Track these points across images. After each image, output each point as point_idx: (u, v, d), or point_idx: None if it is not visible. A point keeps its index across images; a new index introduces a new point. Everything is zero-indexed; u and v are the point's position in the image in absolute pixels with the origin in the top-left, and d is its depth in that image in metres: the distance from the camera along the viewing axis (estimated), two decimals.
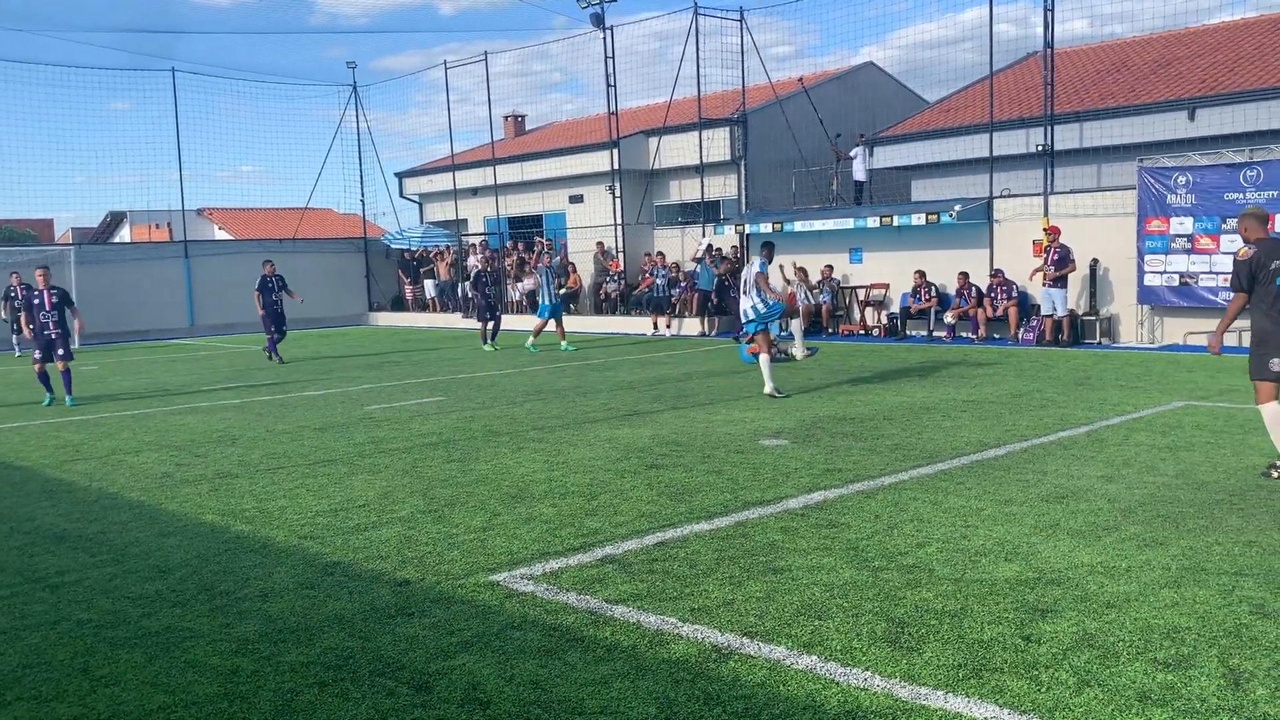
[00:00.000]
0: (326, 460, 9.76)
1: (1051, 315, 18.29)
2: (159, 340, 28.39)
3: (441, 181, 31.72)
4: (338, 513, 7.64)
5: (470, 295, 23.12)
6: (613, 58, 25.31)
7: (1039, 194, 19.53)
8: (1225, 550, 6.01)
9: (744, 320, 14.31)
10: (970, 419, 10.84)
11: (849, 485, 7.93)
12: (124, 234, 49.31)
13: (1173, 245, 17.52)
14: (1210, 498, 7.24)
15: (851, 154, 23.66)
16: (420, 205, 34.52)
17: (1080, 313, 18.72)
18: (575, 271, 26.92)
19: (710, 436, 10.29)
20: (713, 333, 23.62)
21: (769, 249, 14.11)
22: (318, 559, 6.45)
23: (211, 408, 14.00)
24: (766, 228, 23.14)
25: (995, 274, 19.58)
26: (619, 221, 26.15)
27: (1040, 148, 19.39)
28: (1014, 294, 19.12)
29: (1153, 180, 17.64)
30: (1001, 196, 20.17)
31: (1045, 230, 18.53)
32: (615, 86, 25.41)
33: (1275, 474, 7.72)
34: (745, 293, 13.92)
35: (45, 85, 33.85)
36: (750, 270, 13.85)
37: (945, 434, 10.01)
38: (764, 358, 13.28)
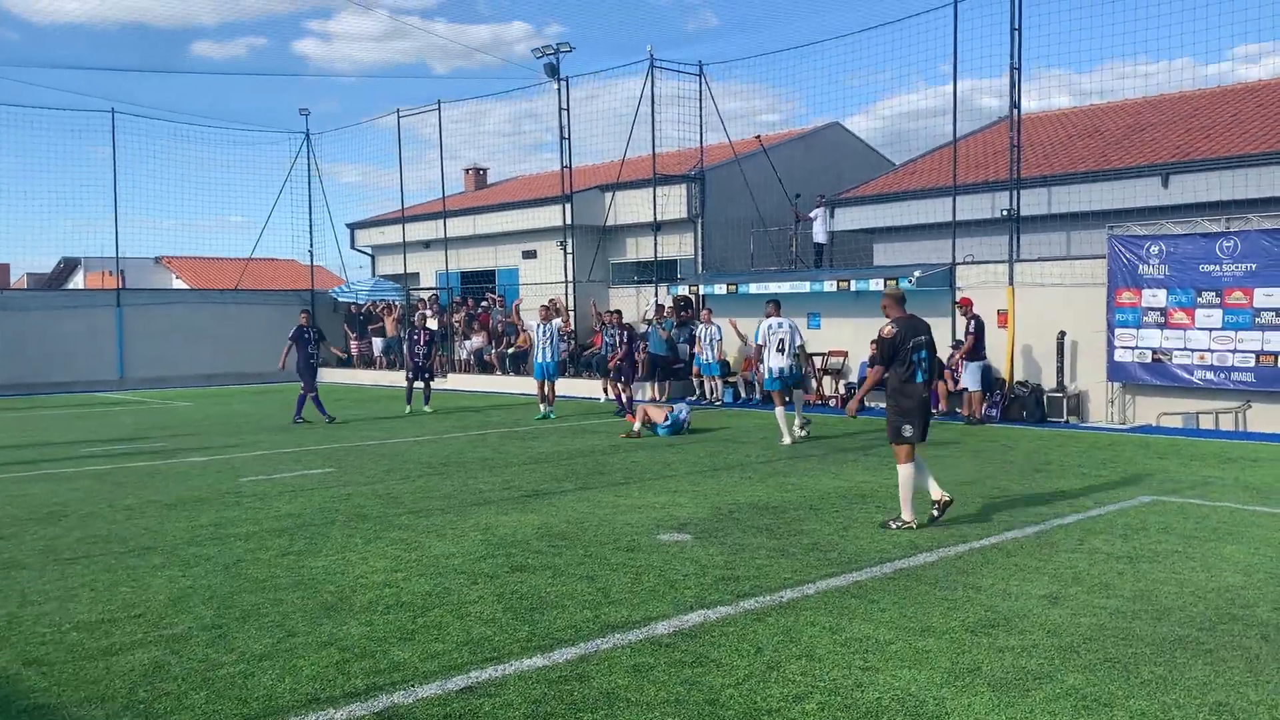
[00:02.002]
0: (144, 548, 8.30)
1: (965, 390, 17.13)
2: (82, 393, 26.84)
3: (394, 233, 30.49)
4: (99, 626, 6.18)
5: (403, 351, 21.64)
6: (567, 109, 24.27)
7: (1004, 261, 18.38)
8: (1187, 717, 4.63)
9: (770, 376, 14.89)
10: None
11: (739, 602, 6.52)
12: (78, 280, 47.84)
13: (1144, 319, 16.32)
14: (1172, 633, 5.86)
15: (812, 215, 22.57)
16: (373, 257, 33.26)
17: (1047, 389, 17.46)
18: (525, 331, 25.59)
19: (605, 527, 8.89)
20: (664, 398, 22.24)
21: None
22: (17, 700, 4.99)
23: (73, 474, 12.53)
24: (721, 289, 21.92)
25: (957, 345, 18.32)
26: (570, 278, 24.90)
27: (1005, 212, 18.28)
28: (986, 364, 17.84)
29: (1124, 249, 16.50)
30: (964, 263, 19.01)
31: (957, 304, 17.45)
32: (569, 139, 24.36)
33: (895, 525, 8.59)
34: (781, 351, 14.87)
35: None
36: (793, 333, 15.08)
37: (873, 531, 8.63)
38: (781, 410, 14.70)
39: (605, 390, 22.34)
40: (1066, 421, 16.98)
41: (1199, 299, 15.72)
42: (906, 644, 5.68)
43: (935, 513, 8.70)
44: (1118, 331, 16.60)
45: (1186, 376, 15.89)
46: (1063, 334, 17.26)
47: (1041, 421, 16.97)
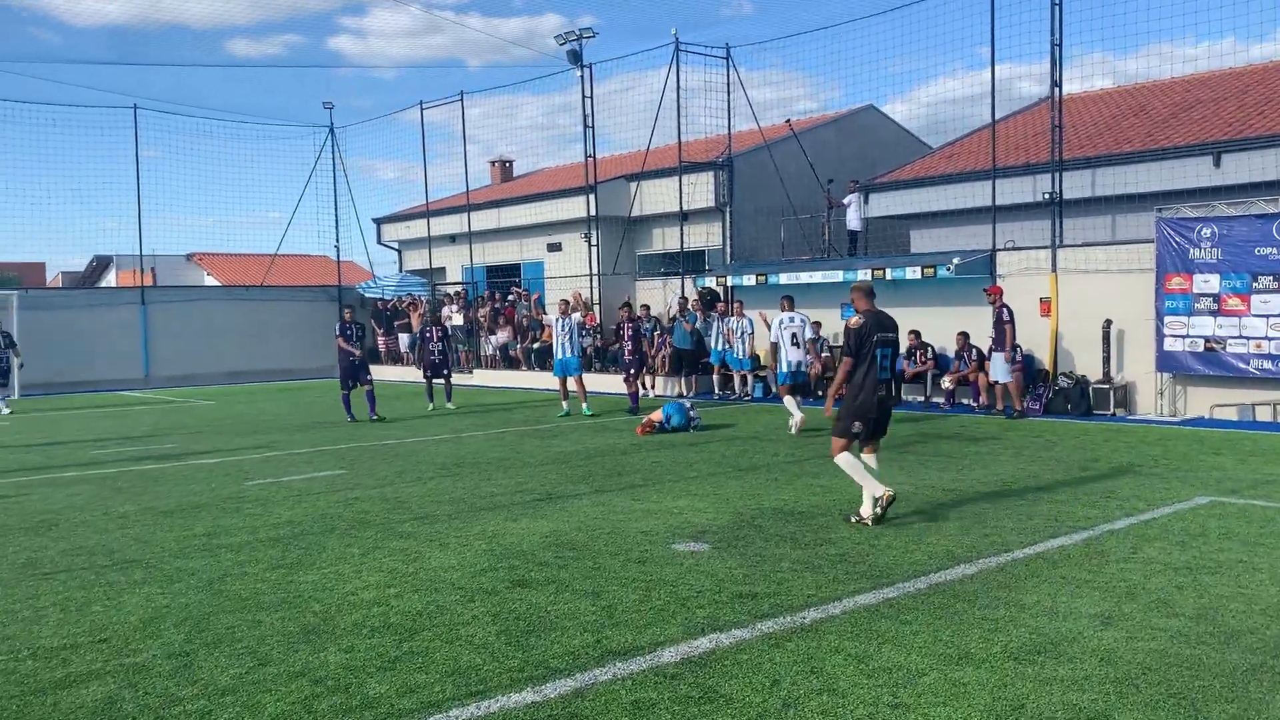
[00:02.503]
0: (129, 562, 7.84)
1: (997, 382, 16.37)
2: (109, 391, 26.69)
3: (420, 228, 30.08)
4: (59, 653, 5.70)
5: (416, 350, 21.14)
6: (590, 97, 23.66)
7: (1046, 246, 17.57)
8: None
9: (784, 371, 15.41)
10: (944, 517, 8.81)
11: (757, 624, 5.92)
12: (110, 278, 48.01)
13: (1196, 305, 15.47)
14: (1244, 661, 5.19)
15: (845, 201, 21.81)
16: (399, 252, 32.88)
17: (1092, 380, 16.65)
18: (548, 325, 25.09)
19: (618, 535, 8.32)
20: (690, 394, 21.64)
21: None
22: None
23: (73, 478, 12.15)
24: (750, 280, 21.26)
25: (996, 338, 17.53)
26: (594, 271, 24.32)
27: (1047, 196, 17.46)
28: (1019, 358, 17.07)
29: (1173, 232, 15.65)
30: (1005, 249, 18.21)
31: (985, 292, 16.68)
32: (593, 128, 23.72)
33: (855, 521, 8.45)
34: (796, 345, 15.39)
35: (32, 124, 32.46)
36: (804, 327, 15.62)
37: (907, 539, 7.98)
38: (789, 398, 15.08)
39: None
40: (1113, 415, 16.17)
41: (1255, 284, 14.86)
42: (942, 675, 5.06)
43: (854, 519, 8.53)
44: (1167, 319, 15.77)
45: (1242, 366, 15.04)
46: (1109, 322, 16.44)
47: (1087, 415, 16.18)
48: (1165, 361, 15.86)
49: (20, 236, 53.59)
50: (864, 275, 19.22)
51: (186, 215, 58.46)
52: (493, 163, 34.38)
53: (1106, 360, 16.48)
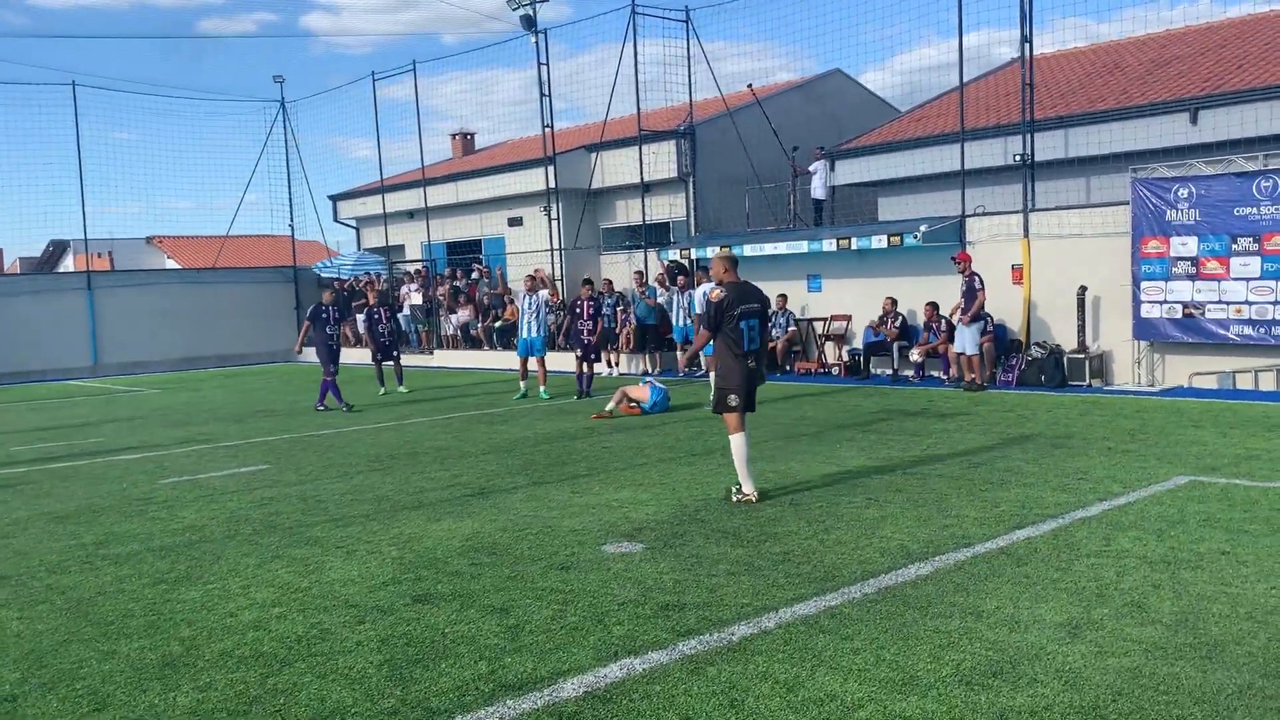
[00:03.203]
0: None
1: (962, 354, 15.69)
2: (55, 381, 25.72)
3: (377, 205, 29.07)
4: None
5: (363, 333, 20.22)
6: (546, 64, 22.73)
7: (1018, 211, 16.86)
8: None
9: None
10: (902, 505, 8.11)
11: (678, 644, 5.20)
12: (68, 264, 46.76)
13: (1174, 269, 14.81)
14: (1229, 680, 4.50)
15: (810, 169, 21.03)
16: (357, 230, 31.88)
17: (1067, 350, 15.99)
18: (512, 303, 24.28)
19: (547, 535, 7.58)
20: (655, 371, 20.91)
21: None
22: None
23: None
24: (714, 251, 20.44)
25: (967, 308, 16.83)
26: (556, 246, 23.48)
27: (1018, 158, 16.73)
28: (989, 328, 16.40)
29: (1149, 193, 14.95)
30: (974, 215, 17.49)
31: (953, 260, 15.98)
32: (550, 96, 22.82)
33: (736, 498, 8.37)
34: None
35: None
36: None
37: (859, 533, 7.28)
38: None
39: (607, 363, 20.94)
40: (1089, 385, 15.53)
41: (1234, 246, 14.20)
42: (880, 708, 4.35)
43: (735, 498, 8.38)
44: (1144, 285, 15.10)
45: (1221, 332, 14.40)
46: (1083, 289, 15.77)
47: (1061, 386, 15.53)
48: (1142, 329, 15.21)
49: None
50: (829, 245, 18.51)
51: (145, 197, 56.91)
52: (453, 136, 33.34)
53: (1081, 329, 15.82)
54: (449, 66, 41.34)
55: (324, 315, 17.17)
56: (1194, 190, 14.51)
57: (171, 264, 44.81)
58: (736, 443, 8.39)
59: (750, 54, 39.82)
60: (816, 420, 13.20)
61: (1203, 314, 14.55)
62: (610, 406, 14.35)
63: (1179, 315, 14.77)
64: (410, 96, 25.79)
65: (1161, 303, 14.93)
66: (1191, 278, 14.62)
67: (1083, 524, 7.34)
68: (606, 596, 6.03)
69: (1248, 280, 14.08)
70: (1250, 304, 14.08)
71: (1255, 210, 13.93)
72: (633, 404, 14.44)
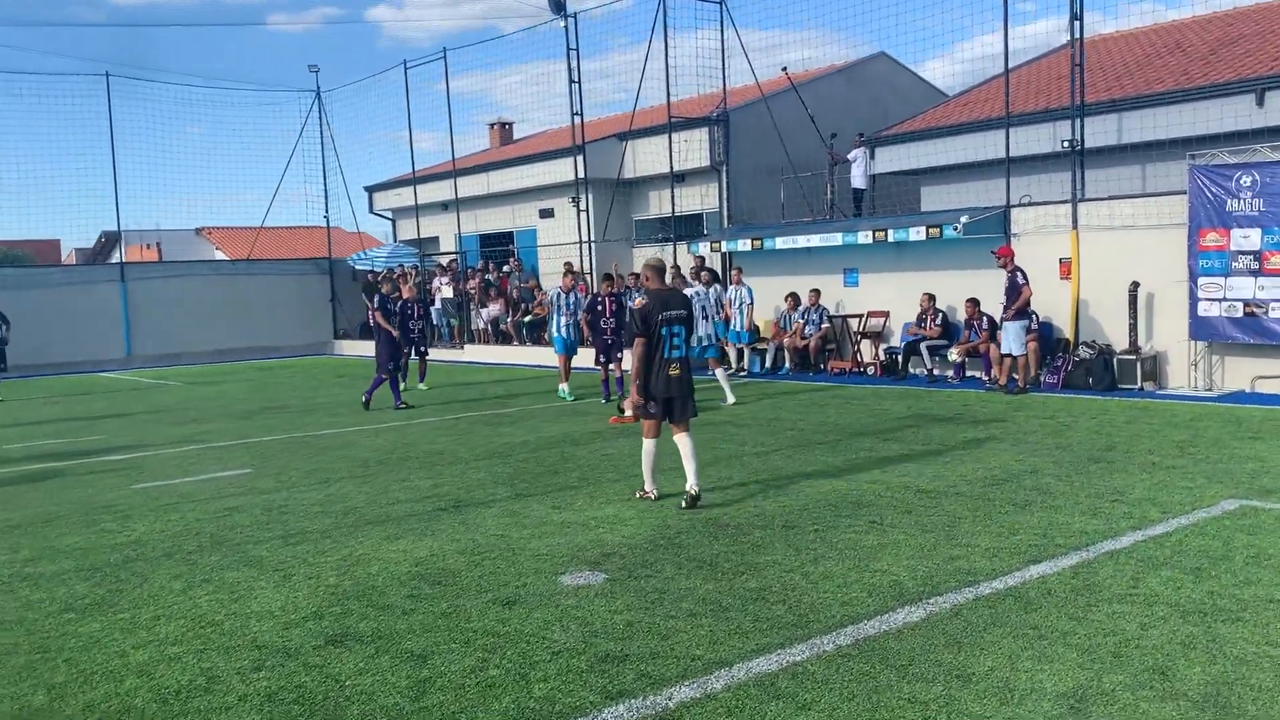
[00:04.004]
0: None
1: (1009, 356, 14.61)
2: (88, 373, 25.63)
3: (413, 196, 28.56)
4: None
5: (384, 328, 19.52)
6: (576, 50, 21.96)
7: (1066, 201, 15.73)
8: None
9: (704, 344, 15.10)
10: (908, 531, 7.24)
11: (602, 712, 4.43)
12: (119, 255, 47.21)
13: (1234, 264, 13.63)
14: None
15: (850, 156, 20.02)
16: (393, 222, 31.46)
17: (1118, 350, 14.87)
18: (542, 296, 23.63)
19: (505, 560, 6.86)
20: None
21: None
22: None
23: None
24: (745, 245, 19.59)
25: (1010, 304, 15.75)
26: (585, 238, 22.74)
27: (1066, 144, 15.60)
28: (1034, 326, 15.31)
29: (1208, 181, 13.78)
30: (1020, 205, 16.39)
31: (994, 254, 14.90)
32: (580, 83, 22.03)
33: (638, 494, 8.63)
34: (706, 318, 15.19)
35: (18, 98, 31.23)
36: (710, 300, 15.70)
37: (851, 565, 6.44)
38: (721, 371, 15.39)
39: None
40: (1140, 389, 14.40)
41: None
42: None
43: (683, 503, 8.20)
44: (1201, 281, 13.93)
45: None
46: (1136, 285, 14.62)
47: (1111, 389, 14.43)
48: (1199, 328, 14.05)
49: (35, 213, 52.56)
50: (864, 237, 17.53)
51: (191, 189, 57.22)
52: (491, 126, 32.78)
53: (1133, 328, 14.68)
54: (500, 57, 40.72)
55: (389, 307, 16.47)
56: (1258, 178, 13.31)
57: (220, 255, 44.99)
58: (646, 447, 8.48)
59: (795, 42, 38.46)
60: (838, 426, 12.30)
61: (1266, 313, 13.36)
62: (628, 410, 13.49)
63: (1240, 314, 13.58)
64: (454, 85, 25.16)
65: (1220, 300, 13.75)
66: (1254, 273, 13.43)
67: (1110, 559, 6.42)
68: (542, 643, 5.27)
69: None
70: None
71: None
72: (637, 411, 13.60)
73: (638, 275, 21.23)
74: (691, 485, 8.22)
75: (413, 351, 18.85)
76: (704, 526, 7.61)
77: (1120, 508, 7.69)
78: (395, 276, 27.02)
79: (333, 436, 13.17)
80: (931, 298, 16.70)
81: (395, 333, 15.88)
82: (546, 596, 6.04)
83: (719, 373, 15.25)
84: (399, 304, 17.57)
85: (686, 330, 8.37)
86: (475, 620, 5.68)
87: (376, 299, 16.25)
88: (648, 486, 8.60)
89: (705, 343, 18.19)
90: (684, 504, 8.16)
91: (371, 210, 31.25)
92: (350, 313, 29.60)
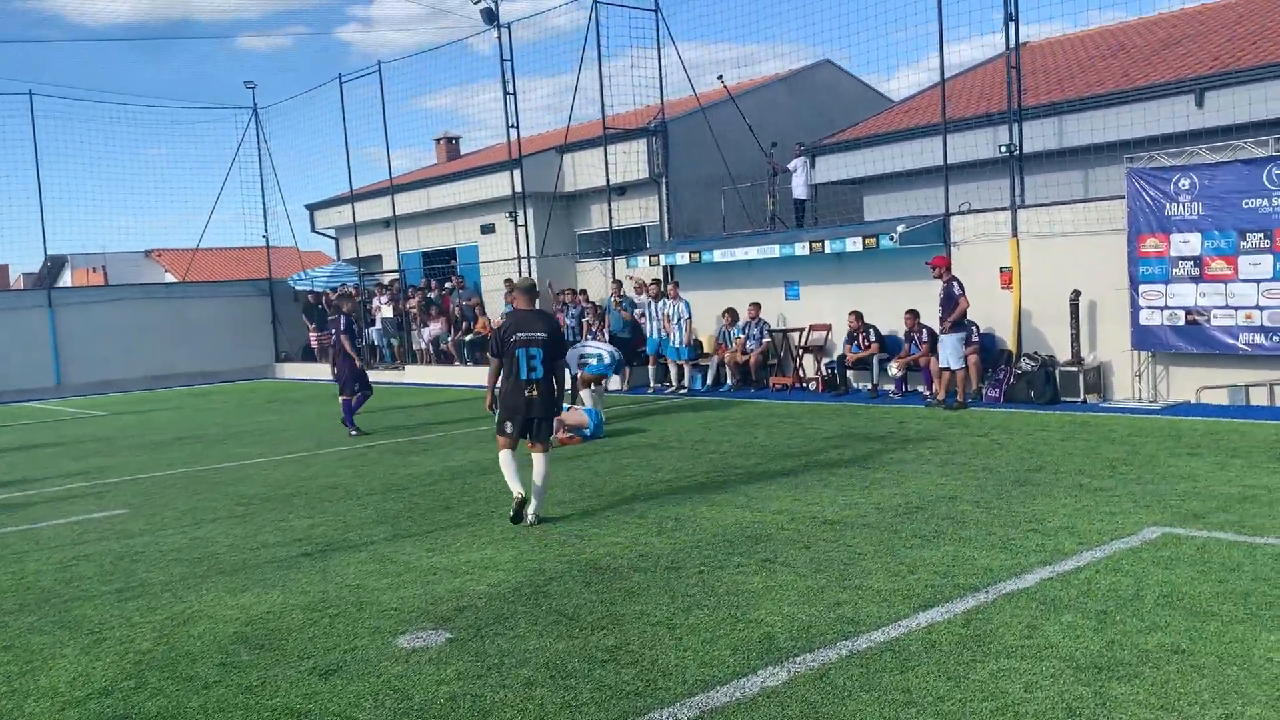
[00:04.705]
0: None
1: (947, 370, 14.06)
2: (14, 404, 24.69)
3: (359, 213, 27.80)
4: None
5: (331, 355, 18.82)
6: (510, 60, 21.33)
7: (1005, 208, 15.22)
8: None
9: (598, 363, 14.47)
10: (800, 571, 6.61)
11: None
12: (66, 279, 46.17)
13: (1175, 270, 13.12)
14: None
15: (790, 166, 19.47)
16: (336, 241, 30.68)
17: (1061, 362, 14.34)
18: (484, 315, 22.96)
19: (348, 616, 6.19)
20: (624, 387, 19.45)
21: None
22: None
23: None
24: (684, 258, 19.00)
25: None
26: (524, 254, 22.07)
27: (1004, 149, 15.09)
28: (974, 338, 14.78)
29: (1146, 185, 13.29)
30: (959, 213, 15.87)
31: (928, 265, 14.36)
32: (515, 94, 21.40)
33: (519, 497, 8.33)
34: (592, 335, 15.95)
35: None
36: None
37: (727, 614, 5.80)
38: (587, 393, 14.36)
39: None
40: (1084, 402, 13.86)
41: (1242, 243, 12.51)
42: None
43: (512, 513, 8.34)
44: (1142, 288, 13.43)
45: (1229, 341, 12.71)
46: (1077, 294, 14.11)
47: (1053, 402, 13.88)
48: (1142, 338, 13.53)
49: None
50: (801, 249, 16.97)
51: (139, 210, 56.06)
52: (438, 140, 32.06)
53: (1075, 338, 14.15)
54: (451, 73, 39.83)
55: (355, 328, 15.69)
56: (1196, 180, 12.82)
57: (170, 278, 44.04)
58: (501, 458, 8.45)
59: (739, 56, 37.82)
60: (763, 448, 11.67)
61: (1208, 320, 12.86)
62: (559, 434, 12.80)
63: (1181, 322, 13.08)
64: (401, 99, 24.54)
65: (1162, 308, 13.25)
66: (1195, 280, 12.93)
67: (1010, 601, 5.80)
68: None
69: (1258, 282, 12.38)
70: (1262, 309, 12.38)
71: (1266, 202, 12.24)
72: (570, 434, 12.99)
73: (574, 291, 20.76)
74: (532, 514, 8.31)
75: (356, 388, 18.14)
76: (581, 570, 6.94)
77: (1034, 539, 7.09)
78: (353, 295, 26.32)
79: (232, 470, 12.42)
80: (859, 316, 16.14)
81: (356, 360, 15.14)
82: (373, 664, 5.36)
83: (586, 394, 14.44)
84: (346, 320, 16.62)
85: (544, 354, 8.38)
86: (281, 695, 4.99)
87: (342, 320, 15.41)
88: (514, 488, 8.42)
89: (685, 355, 17.72)
90: (513, 512, 8.32)
91: (314, 229, 30.49)
92: (291, 335, 28.78)
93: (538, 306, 9.11)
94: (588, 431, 13.17)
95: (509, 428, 8.41)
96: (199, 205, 50.58)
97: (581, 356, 14.59)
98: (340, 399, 15.31)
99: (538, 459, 8.44)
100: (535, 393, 8.34)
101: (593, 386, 14.64)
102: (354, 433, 14.94)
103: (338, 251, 30.71)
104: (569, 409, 13.51)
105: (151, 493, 11.07)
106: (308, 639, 5.82)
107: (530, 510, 8.29)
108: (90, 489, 11.62)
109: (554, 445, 12.39)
